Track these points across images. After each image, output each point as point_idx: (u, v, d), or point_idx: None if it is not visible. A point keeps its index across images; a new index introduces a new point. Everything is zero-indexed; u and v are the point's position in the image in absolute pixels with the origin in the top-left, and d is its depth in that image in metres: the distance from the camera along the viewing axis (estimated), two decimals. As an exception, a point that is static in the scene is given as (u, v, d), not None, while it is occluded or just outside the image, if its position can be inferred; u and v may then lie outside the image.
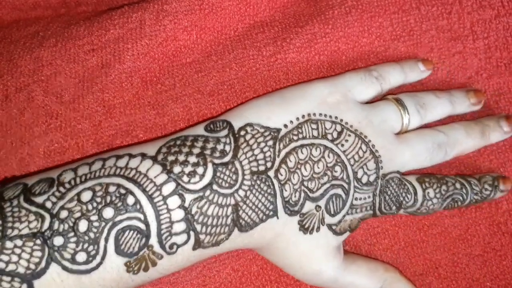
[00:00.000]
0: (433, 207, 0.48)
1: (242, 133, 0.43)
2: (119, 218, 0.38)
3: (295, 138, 0.44)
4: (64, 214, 0.37)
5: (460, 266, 0.52)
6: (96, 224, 0.38)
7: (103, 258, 0.38)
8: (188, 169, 0.40)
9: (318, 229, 0.44)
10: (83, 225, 0.37)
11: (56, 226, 0.37)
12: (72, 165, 0.41)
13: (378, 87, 0.49)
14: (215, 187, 0.41)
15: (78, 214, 0.38)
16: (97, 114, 0.49)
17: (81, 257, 0.37)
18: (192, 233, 0.40)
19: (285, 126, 0.44)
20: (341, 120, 0.46)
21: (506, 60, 0.54)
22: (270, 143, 0.43)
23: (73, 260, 0.37)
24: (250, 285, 0.50)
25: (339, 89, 0.48)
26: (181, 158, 0.41)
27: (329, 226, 0.45)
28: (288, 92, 0.47)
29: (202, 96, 0.51)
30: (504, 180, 0.51)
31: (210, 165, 0.41)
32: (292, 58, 0.52)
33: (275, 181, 0.43)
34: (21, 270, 0.36)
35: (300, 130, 0.45)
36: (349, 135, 0.46)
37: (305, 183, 0.44)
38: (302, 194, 0.44)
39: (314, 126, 0.45)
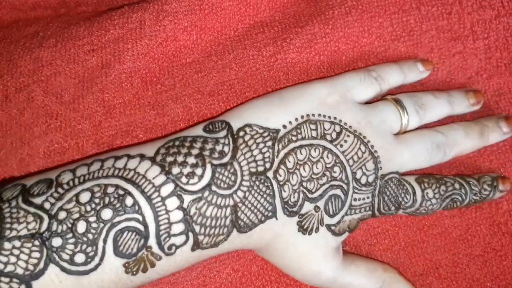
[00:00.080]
0: (432, 208, 0.48)
1: (241, 133, 0.43)
2: (117, 219, 0.38)
3: (294, 138, 0.44)
4: (62, 215, 0.37)
5: (461, 267, 0.52)
6: (94, 225, 0.38)
7: (101, 259, 0.38)
8: (186, 170, 0.40)
9: (317, 229, 0.44)
10: (81, 226, 0.37)
11: (54, 227, 0.37)
12: (70, 166, 0.41)
13: (377, 87, 0.49)
14: (213, 188, 0.41)
15: (76, 215, 0.38)
16: (97, 114, 0.49)
17: (79, 258, 0.37)
18: (190, 234, 0.40)
19: (284, 126, 0.44)
20: (340, 120, 0.46)
21: (506, 60, 0.54)
22: (269, 143, 0.43)
23: (71, 261, 0.37)
24: (250, 285, 0.50)
25: (338, 90, 0.48)
26: (180, 159, 0.41)
27: (328, 227, 0.45)
28: (287, 93, 0.47)
29: (202, 96, 0.51)
30: (503, 180, 0.51)
31: (208, 166, 0.41)
32: (292, 58, 0.52)
33: (274, 182, 0.43)
34: (19, 271, 0.36)
35: (299, 131, 0.45)
36: (348, 136, 0.46)
37: (304, 183, 0.44)
38: (301, 195, 0.44)
39: (313, 126, 0.45)
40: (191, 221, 0.40)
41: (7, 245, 0.36)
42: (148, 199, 0.39)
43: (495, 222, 0.53)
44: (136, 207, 0.38)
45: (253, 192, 0.42)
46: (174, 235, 0.39)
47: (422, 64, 0.52)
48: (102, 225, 0.38)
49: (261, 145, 0.43)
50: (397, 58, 0.53)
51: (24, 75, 0.50)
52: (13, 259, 0.36)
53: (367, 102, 0.50)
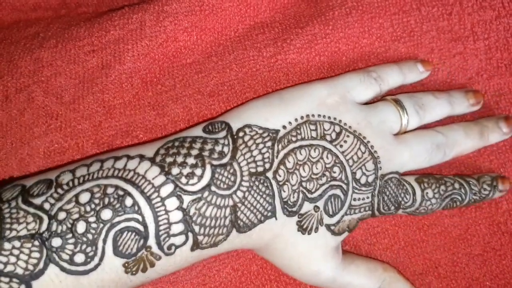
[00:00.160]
0: (432, 207, 0.48)
1: (241, 134, 0.43)
2: (117, 219, 0.38)
3: (293, 139, 0.44)
4: (62, 215, 0.38)
5: (460, 266, 0.52)
6: (94, 225, 0.38)
7: (101, 259, 0.38)
8: (186, 170, 0.40)
9: (316, 229, 0.44)
10: (81, 227, 0.37)
11: (54, 227, 0.37)
12: (70, 166, 0.41)
13: (377, 88, 0.49)
14: (213, 188, 0.41)
15: (76, 216, 0.38)
16: (97, 115, 0.49)
17: (79, 258, 0.37)
18: (190, 234, 0.40)
19: (284, 127, 0.44)
20: (340, 121, 0.46)
21: (507, 61, 0.54)
22: (269, 144, 0.43)
23: (71, 261, 0.37)
24: (250, 284, 0.50)
25: (338, 90, 0.48)
26: (179, 159, 0.41)
27: (328, 227, 0.45)
28: (287, 93, 0.47)
29: (202, 97, 0.51)
30: (503, 180, 0.51)
31: (208, 167, 0.41)
32: (292, 59, 0.52)
33: (273, 182, 0.43)
34: (19, 271, 0.36)
35: (298, 131, 0.45)
36: (348, 136, 0.46)
37: (304, 183, 0.44)
38: (301, 195, 0.44)
39: (312, 127, 0.45)
40: (190, 221, 0.40)
41: (7, 245, 0.36)
42: (148, 199, 0.39)
43: (495, 222, 0.53)
44: (136, 208, 0.39)
45: (252, 192, 0.42)
46: (174, 235, 0.39)
47: (422, 65, 0.52)
48: (101, 225, 0.38)
49: (261, 146, 0.43)
50: (397, 58, 0.53)
51: (24, 76, 0.50)
52: (13, 259, 0.36)
53: (367, 103, 0.50)
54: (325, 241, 0.45)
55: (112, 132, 0.49)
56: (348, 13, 0.53)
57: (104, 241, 0.38)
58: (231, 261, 0.49)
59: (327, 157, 0.45)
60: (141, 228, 0.38)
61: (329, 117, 0.46)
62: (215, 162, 0.41)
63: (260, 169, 0.43)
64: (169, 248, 0.39)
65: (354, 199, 0.46)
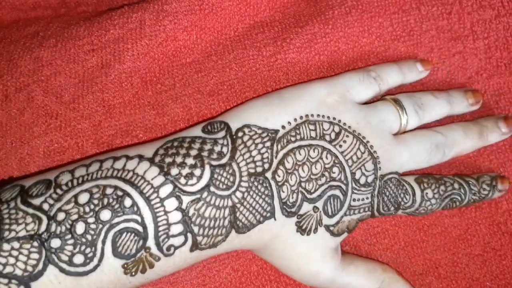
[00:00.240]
0: (432, 208, 0.48)
1: (240, 134, 0.43)
2: (116, 220, 0.38)
3: (292, 139, 0.44)
4: (61, 216, 0.38)
5: (460, 266, 0.52)
6: (93, 226, 0.38)
7: (100, 260, 0.38)
8: (185, 171, 0.40)
9: (315, 230, 0.44)
10: (80, 227, 0.37)
11: (53, 228, 0.37)
12: (69, 166, 0.41)
13: (376, 87, 0.49)
14: (212, 189, 0.41)
15: (75, 216, 0.38)
16: (97, 114, 0.49)
17: (78, 259, 0.37)
18: (189, 235, 0.40)
19: (283, 127, 0.44)
20: (339, 121, 0.46)
21: (506, 60, 0.54)
22: (268, 144, 0.43)
23: (70, 262, 0.37)
24: (250, 284, 0.50)
25: (338, 90, 0.48)
26: (179, 160, 0.41)
27: (327, 227, 0.45)
28: (286, 93, 0.47)
29: (202, 96, 0.51)
30: (502, 180, 0.51)
31: (207, 167, 0.41)
32: (292, 58, 0.52)
33: (272, 183, 0.43)
34: (18, 272, 0.36)
35: (298, 131, 0.45)
36: (347, 136, 0.46)
37: (303, 184, 0.44)
38: (300, 195, 0.44)
39: (312, 127, 0.45)
40: (189, 222, 0.40)
41: (5, 246, 0.36)
42: (147, 200, 0.39)
43: (495, 222, 0.53)
44: (135, 208, 0.38)
45: (251, 192, 0.42)
46: (173, 236, 0.39)
47: (421, 64, 0.52)
48: (100, 226, 0.38)
49: (260, 146, 0.43)
50: (397, 58, 0.53)
51: (24, 75, 0.50)
52: (11, 260, 0.36)
53: (367, 102, 0.50)
54: (324, 242, 0.45)
55: (112, 131, 0.49)
56: (348, 12, 0.53)
57: (103, 242, 0.38)
58: (231, 261, 0.49)
59: (326, 157, 0.45)
60: (140, 229, 0.38)
61: (328, 117, 0.46)
62: (214, 163, 0.41)
63: (259, 169, 0.43)
64: (168, 249, 0.39)
65: (354, 200, 0.46)
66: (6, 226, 0.37)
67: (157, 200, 0.39)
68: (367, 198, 0.46)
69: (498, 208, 0.53)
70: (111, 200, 0.38)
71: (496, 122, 0.52)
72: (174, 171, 0.40)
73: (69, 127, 0.49)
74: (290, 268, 0.46)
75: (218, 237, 0.41)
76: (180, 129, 0.50)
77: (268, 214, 0.43)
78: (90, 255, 0.37)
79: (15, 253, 0.36)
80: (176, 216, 0.39)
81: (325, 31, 0.52)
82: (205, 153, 0.42)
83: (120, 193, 0.39)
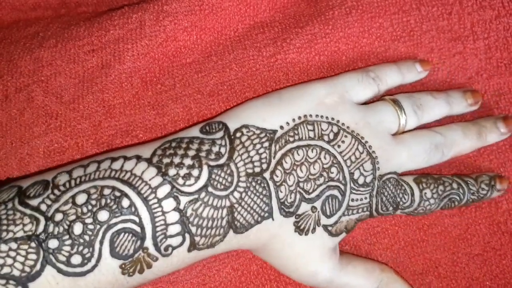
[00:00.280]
0: (430, 208, 0.48)
1: (238, 134, 0.43)
2: (114, 220, 0.38)
3: (291, 139, 0.44)
4: (59, 217, 0.38)
5: (460, 266, 0.52)
6: (91, 226, 0.38)
7: (98, 260, 0.38)
8: (183, 171, 0.40)
9: (313, 230, 0.44)
10: (78, 228, 0.37)
11: (51, 229, 0.37)
12: (67, 167, 0.41)
13: (375, 88, 0.49)
14: (210, 189, 0.41)
15: (73, 217, 0.38)
16: (97, 114, 0.50)
17: (76, 259, 0.37)
18: (187, 235, 0.40)
19: (281, 127, 0.44)
20: (338, 121, 0.46)
21: (507, 60, 0.54)
22: (266, 144, 0.43)
23: (68, 263, 0.37)
24: (249, 284, 0.50)
25: (337, 90, 0.48)
26: (176, 160, 0.41)
27: (325, 227, 0.45)
28: (286, 93, 0.47)
29: (202, 97, 0.51)
30: (501, 180, 0.51)
31: (205, 167, 0.41)
32: (292, 58, 0.52)
33: (270, 183, 0.43)
34: (16, 273, 0.36)
35: (296, 132, 0.45)
36: (346, 136, 0.46)
37: (301, 184, 0.44)
38: (298, 195, 0.44)
39: (310, 127, 0.45)
40: (187, 222, 0.40)
41: (3, 247, 0.36)
42: (145, 200, 0.39)
43: (495, 221, 0.53)
44: (133, 209, 0.39)
45: (249, 193, 0.42)
46: (171, 236, 0.39)
47: (420, 65, 0.52)
48: (98, 226, 0.38)
49: (258, 146, 0.43)
50: (397, 58, 0.53)
51: (24, 75, 0.50)
52: (9, 261, 0.36)
53: (366, 103, 0.50)
54: (322, 242, 0.45)
55: (112, 131, 0.49)
56: (348, 12, 0.53)
57: (101, 243, 0.38)
58: (231, 261, 0.49)
59: (324, 158, 0.45)
60: (138, 229, 0.38)
61: (327, 117, 0.46)
62: (212, 163, 0.41)
63: (257, 169, 0.43)
64: (166, 249, 0.39)
65: (352, 200, 0.46)
66: (4, 227, 0.37)
67: (155, 200, 0.39)
68: (365, 198, 0.46)
69: (498, 207, 0.53)
70: (108, 200, 0.38)
71: (495, 123, 0.52)
72: (172, 171, 0.40)
73: (69, 127, 0.49)
74: (288, 268, 0.46)
75: (216, 237, 0.41)
76: (180, 129, 0.50)
77: (266, 214, 0.43)
78: (88, 255, 0.38)
79: (12, 253, 0.36)
80: (174, 217, 0.39)
81: (325, 31, 0.52)
82: (203, 154, 0.42)
83: (117, 193, 0.39)
